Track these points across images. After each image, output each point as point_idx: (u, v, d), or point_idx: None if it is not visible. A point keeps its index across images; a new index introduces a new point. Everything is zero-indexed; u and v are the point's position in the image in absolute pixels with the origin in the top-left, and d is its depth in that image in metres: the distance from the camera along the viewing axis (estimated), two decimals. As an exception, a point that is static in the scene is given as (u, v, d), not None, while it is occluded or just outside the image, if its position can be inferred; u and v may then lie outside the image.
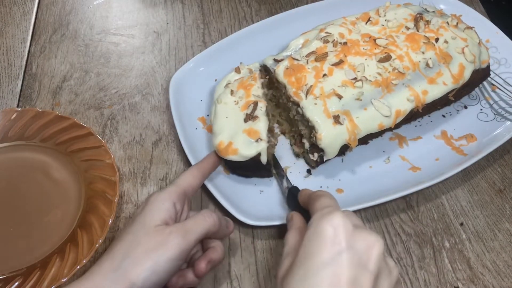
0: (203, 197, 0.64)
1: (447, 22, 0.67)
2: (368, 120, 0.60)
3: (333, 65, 0.63)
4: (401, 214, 0.63)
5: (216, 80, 0.72)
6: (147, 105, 0.73)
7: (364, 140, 0.65)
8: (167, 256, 0.45)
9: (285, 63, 0.64)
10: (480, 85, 0.74)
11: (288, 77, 0.63)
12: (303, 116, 0.61)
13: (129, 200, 0.63)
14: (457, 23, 0.68)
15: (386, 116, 0.60)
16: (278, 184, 0.63)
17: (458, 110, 0.72)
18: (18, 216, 0.60)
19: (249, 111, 0.61)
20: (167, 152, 0.68)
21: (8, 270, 0.56)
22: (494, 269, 0.59)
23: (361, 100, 0.60)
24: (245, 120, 0.60)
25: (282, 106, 0.68)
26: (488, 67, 0.69)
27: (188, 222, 0.48)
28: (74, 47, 0.80)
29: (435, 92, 0.63)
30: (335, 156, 0.61)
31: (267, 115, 0.62)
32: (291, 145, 0.68)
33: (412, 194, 0.64)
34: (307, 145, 0.63)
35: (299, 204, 0.53)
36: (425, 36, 0.65)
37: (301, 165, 0.66)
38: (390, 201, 0.63)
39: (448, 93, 0.64)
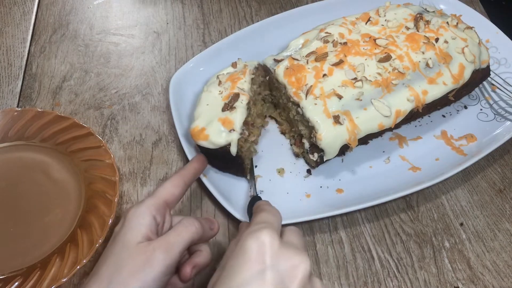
0: (203, 197, 0.64)
1: (447, 22, 0.67)
2: (368, 120, 0.60)
3: (333, 65, 0.63)
4: (401, 214, 0.63)
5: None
6: (147, 105, 0.73)
7: (364, 140, 0.65)
8: (154, 275, 0.43)
9: (285, 63, 0.64)
10: (480, 85, 0.74)
11: (288, 77, 0.63)
12: (303, 116, 0.61)
13: (129, 200, 0.63)
14: (457, 23, 0.68)
15: (386, 116, 0.60)
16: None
17: (458, 110, 0.72)
18: (18, 216, 0.60)
19: (227, 101, 0.61)
20: (167, 152, 0.68)
21: (8, 270, 0.56)
22: (494, 269, 0.59)
23: (361, 100, 0.60)
24: (223, 110, 0.61)
25: (282, 106, 0.68)
26: (488, 67, 0.69)
27: (170, 234, 0.46)
28: (74, 47, 0.80)
29: (435, 92, 0.63)
30: (335, 156, 0.61)
31: (248, 109, 0.62)
32: (291, 145, 0.68)
33: (412, 194, 0.64)
34: (307, 145, 0.63)
35: None
36: (425, 36, 0.65)
37: (301, 165, 0.66)
38: (390, 201, 0.63)
39: (448, 93, 0.64)
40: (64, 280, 0.53)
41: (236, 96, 0.61)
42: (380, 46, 0.65)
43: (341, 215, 0.62)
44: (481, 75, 0.69)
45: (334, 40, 0.66)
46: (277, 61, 0.66)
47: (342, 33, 0.67)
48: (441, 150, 0.67)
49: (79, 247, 0.56)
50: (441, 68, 0.64)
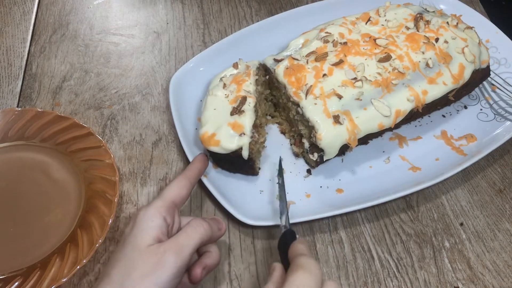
0: (203, 197, 0.64)
1: (447, 22, 0.67)
2: (368, 120, 0.60)
3: (333, 65, 0.63)
4: (401, 214, 0.63)
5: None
6: (147, 105, 0.73)
7: (364, 140, 0.65)
8: (166, 277, 0.43)
9: (285, 63, 0.64)
10: (480, 85, 0.74)
11: (288, 77, 0.63)
12: (303, 116, 0.61)
13: (129, 200, 0.63)
14: (457, 23, 0.68)
15: (386, 116, 0.60)
16: (280, 207, 0.57)
17: (458, 110, 0.72)
18: (18, 216, 0.60)
19: (236, 105, 0.61)
20: (167, 152, 0.68)
21: (8, 270, 0.56)
22: (494, 269, 0.59)
23: (361, 100, 0.60)
24: (231, 114, 0.60)
25: (282, 106, 0.68)
26: (488, 67, 0.69)
27: (180, 236, 0.46)
28: (74, 47, 0.80)
29: (435, 92, 0.63)
30: (335, 156, 0.61)
31: (256, 111, 0.62)
32: (291, 144, 0.68)
33: (412, 194, 0.64)
34: (307, 145, 0.63)
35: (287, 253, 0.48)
36: (425, 36, 0.65)
37: (301, 165, 0.66)
38: (390, 201, 0.63)
39: (448, 93, 0.64)
40: (64, 280, 0.53)
41: (243, 100, 0.61)
42: (380, 46, 0.65)
43: (341, 215, 0.62)
44: (481, 75, 0.69)
45: (334, 40, 0.66)
46: (277, 61, 0.66)
47: (342, 33, 0.67)
48: (441, 150, 0.67)
49: (79, 247, 0.56)
50: (441, 68, 0.64)
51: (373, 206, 0.62)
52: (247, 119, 0.60)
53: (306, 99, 0.60)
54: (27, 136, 0.66)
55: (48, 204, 0.61)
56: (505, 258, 0.60)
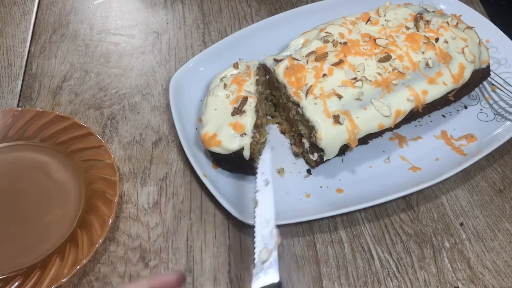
0: (203, 197, 0.64)
1: (447, 22, 0.67)
2: (368, 120, 0.60)
3: (333, 65, 0.63)
4: (401, 214, 0.63)
5: (216, 80, 0.72)
6: (147, 105, 0.73)
7: (364, 140, 0.65)
8: None
9: (285, 63, 0.64)
10: (480, 85, 0.74)
11: (288, 77, 0.63)
12: (303, 116, 0.61)
13: (129, 200, 0.63)
14: (457, 23, 0.68)
15: (386, 116, 0.60)
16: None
17: (458, 110, 0.72)
18: (18, 216, 0.60)
19: (237, 105, 0.61)
20: (167, 152, 0.68)
21: (8, 270, 0.56)
22: (494, 269, 0.59)
23: (361, 100, 0.60)
24: (233, 114, 0.61)
25: (282, 106, 0.68)
26: (488, 67, 0.69)
27: None
28: (74, 47, 0.80)
29: (435, 92, 0.63)
30: (335, 156, 0.61)
31: (256, 111, 0.62)
32: (291, 144, 0.68)
33: (412, 194, 0.64)
34: (307, 145, 0.63)
35: None
36: (425, 36, 0.65)
37: (301, 165, 0.66)
38: (390, 201, 0.63)
39: (448, 93, 0.64)
40: (64, 280, 0.53)
41: (244, 100, 0.61)
42: (380, 46, 0.65)
43: (341, 215, 0.62)
44: (481, 75, 0.69)
45: (334, 40, 0.66)
46: (277, 61, 0.66)
47: (342, 33, 0.67)
48: (441, 150, 0.67)
49: (79, 247, 0.56)
50: (441, 68, 0.64)
51: (373, 206, 0.62)
52: (248, 119, 0.60)
53: (306, 99, 0.60)
54: (27, 136, 0.66)
55: (48, 204, 0.61)
56: (505, 258, 0.60)
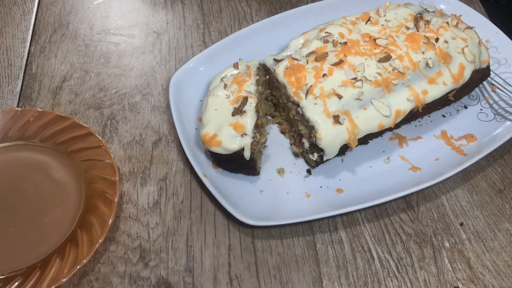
0: (203, 197, 0.64)
1: (447, 22, 0.67)
2: (368, 120, 0.60)
3: (333, 65, 0.63)
4: (401, 214, 0.63)
5: (216, 80, 0.72)
6: (147, 105, 0.73)
7: (364, 140, 0.65)
8: None
9: (285, 63, 0.64)
10: (480, 85, 0.74)
11: (288, 77, 0.63)
12: (303, 116, 0.61)
13: (129, 200, 0.63)
14: (457, 23, 0.68)
15: (386, 116, 0.60)
16: None
17: (458, 110, 0.72)
18: (18, 216, 0.60)
19: (237, 106, 0.61)
20: (167, 152, 0.68)
21: (8, 270, 0.56)
22: (494, 269, 0.59)
23: (361, 100, 0.60)
24: (233, 114, 0.61)
25: (282, 106, 0.68)
26: (488, 67, 0.69)
27: None
28: (74, 47, 0.80)
29: (435, 92, 0.63)
30: (335, 156, 0.61)
31: (257, 112, 0.62)
32: (291, 144, 0.68)
33: (412, 194, 0.64)
34: (307, 145, 0.63)
35: None
36: (425, 36, 0.65)
37: (301, 165, 0.66)
38: (390, 201, 0.63)
39: (448, 93, 0.64)
40: (64, 280, 0.53)
41: (245, 100, 0.61)
42: (380, 46, 0.65)
43: (341, 215, 0.62)
44: (481, 75, 0.69)
45: (334, 40, 0.66)
46: (277, 61, 0.66)
47: (342, 33, 0.67)
48: (441, 150, 0.67)
49: (79, 247, 0.56)
50: (441, 68, 0.64)
51: (373, 206, 0.62)
52: (248, 120, 0.60)
53: (306, 99, 0.60)
54: (27, 136, 0.66)
55: (48, 204, 0.61)
56: (505, 258, 0.60)
